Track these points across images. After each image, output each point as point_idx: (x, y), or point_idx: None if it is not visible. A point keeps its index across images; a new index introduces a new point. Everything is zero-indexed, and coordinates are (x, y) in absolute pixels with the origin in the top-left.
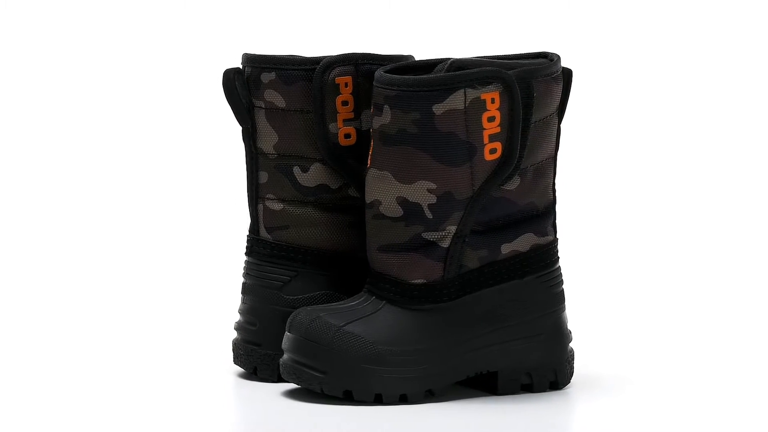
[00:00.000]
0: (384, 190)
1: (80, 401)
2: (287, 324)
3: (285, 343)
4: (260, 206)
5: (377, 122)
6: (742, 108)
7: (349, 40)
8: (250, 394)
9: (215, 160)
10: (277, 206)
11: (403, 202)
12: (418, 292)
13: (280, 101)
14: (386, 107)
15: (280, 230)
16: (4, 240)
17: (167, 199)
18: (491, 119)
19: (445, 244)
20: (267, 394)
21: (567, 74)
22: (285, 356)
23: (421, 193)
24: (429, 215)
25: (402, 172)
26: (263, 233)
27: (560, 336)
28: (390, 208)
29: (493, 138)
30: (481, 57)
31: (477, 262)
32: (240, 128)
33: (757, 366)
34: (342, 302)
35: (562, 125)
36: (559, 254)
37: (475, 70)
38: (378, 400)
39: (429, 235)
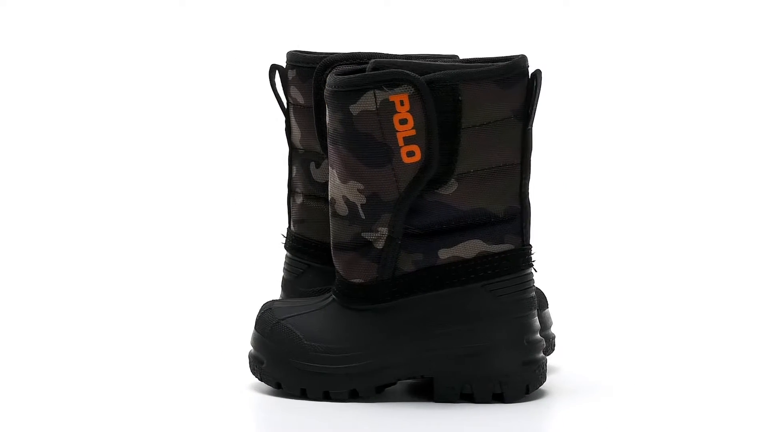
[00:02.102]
0: (334, 189)
1: (126, 389)
2: None
3: None
4: (291, 199)
5: (326, 121)
6: (734, 111)
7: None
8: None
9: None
10: (299, 200)
11: (346, 201)
12: (355, 292)
13: (300, 98)
14: (327, 107)
15: (299, 223)
16: (33, 239)
17: (227, 192)
18: (403, 121)
19: (380, 245)
20: None
21: (532, 77)
22: None
23: (354, 193)
24: (362, 215)
25: (340, 171)
26: (291, 226)
27: (512, 347)
28: (341, 206)
29: (408, 141)
30: (431, 59)
31: (412, 265)
32: None
33: (739, 371)
34: (311, 297)
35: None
36: (527, 263)
37: (383, 71)
38: (304, 395)
39: (366, 236)
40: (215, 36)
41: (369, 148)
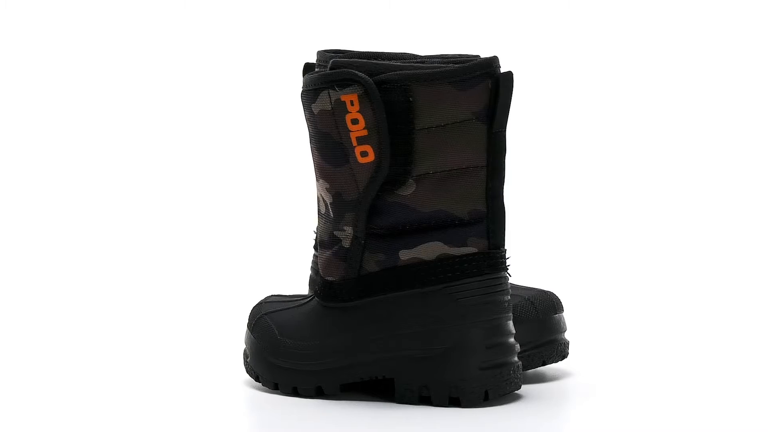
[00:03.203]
0: (316, 187)
1: (146, 386)
2: None
3: None
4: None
5: None
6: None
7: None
8: None
9: None
10: None
11: (322, 199)
12: (328, 290)
13: None
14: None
15: None
16: (39, 238)
17: (264, 190)
18: (355, 121)
19: (347, 244)
20: None
21: (497, 80)
22: None
23: (325, 192)
24: (331, 214)
25: (315, 169)
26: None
27: (469, 351)
28: (321, 204)
29: (361, 141)
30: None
31: (375, 265)
32: None
33: (758, 374)
34: (303, 294)
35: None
36: (494, 267)
37: (334, 71)
38: (277, 389)
39: (337, 234)
40: (253, 35)
41: (329, 148)
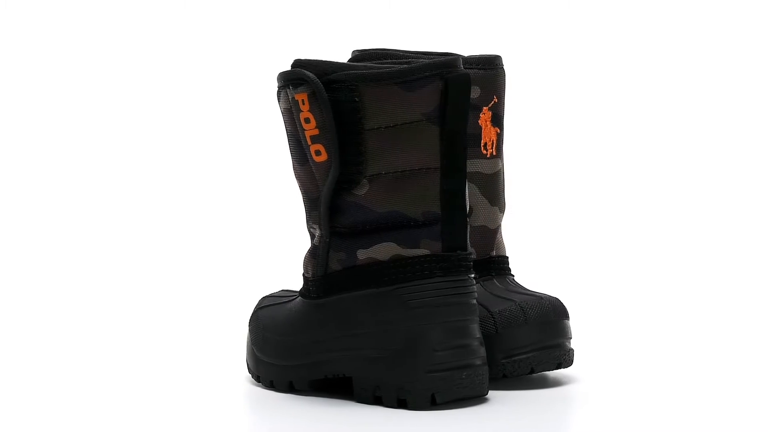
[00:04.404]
0: None
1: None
2: None
3: None
4: None
5: None
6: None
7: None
8: None
9: None
10: None
11: None
12: (306, 287)
13: None
14: None
15: None
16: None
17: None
18: (307, 120)
19: (317, 242)
20: None
21: (446, 82)
22: None
23: (299, 190)
24: (305, 211)
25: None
26: None
27: (416, 353)
28: None
29: (314, 140)
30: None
31: (338, 264)
32: None
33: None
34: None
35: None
36: (448, 270)
37: (287, 71)
38: (258, 380)
39: (312, 231)
40: (254, 34)
41: (295, 146)
